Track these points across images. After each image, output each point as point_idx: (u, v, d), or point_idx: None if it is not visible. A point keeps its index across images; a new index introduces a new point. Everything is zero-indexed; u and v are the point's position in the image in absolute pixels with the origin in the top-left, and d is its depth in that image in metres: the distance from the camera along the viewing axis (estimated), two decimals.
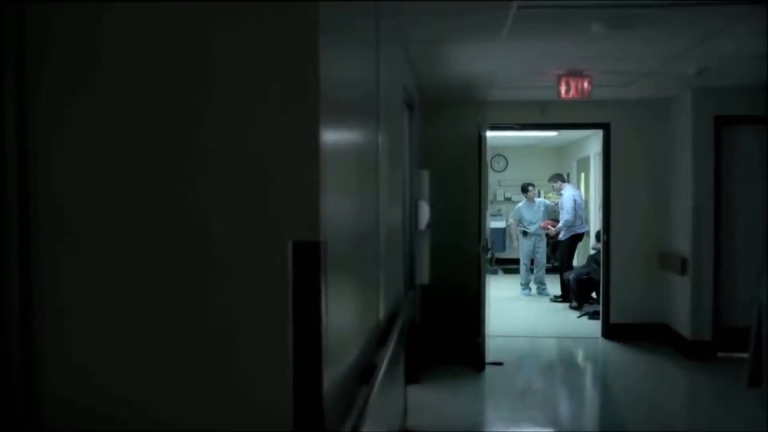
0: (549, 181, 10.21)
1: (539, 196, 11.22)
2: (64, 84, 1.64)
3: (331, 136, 1.76)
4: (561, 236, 9.63)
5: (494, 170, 13.01)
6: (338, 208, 1.89)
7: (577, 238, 9.65)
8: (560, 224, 9.68)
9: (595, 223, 10.15)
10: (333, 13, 1.80)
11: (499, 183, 13.30)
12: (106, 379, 1.66)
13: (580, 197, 9.95)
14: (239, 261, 1.63)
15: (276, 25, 1.59)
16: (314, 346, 1.58)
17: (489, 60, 5.05)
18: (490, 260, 11.05)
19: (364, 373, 2.35)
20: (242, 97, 1.61)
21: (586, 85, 5.30)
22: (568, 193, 9.70)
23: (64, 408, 1.65)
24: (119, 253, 1.65)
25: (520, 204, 10.74)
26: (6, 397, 1.64)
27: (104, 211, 1.65)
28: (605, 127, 7.18)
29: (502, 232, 12.34)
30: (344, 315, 2.03)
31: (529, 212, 10.43)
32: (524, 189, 10.57)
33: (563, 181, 9.98)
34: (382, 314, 3.01)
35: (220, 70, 1.61)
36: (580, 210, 9.68)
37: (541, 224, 10.25)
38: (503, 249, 12.34)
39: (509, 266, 12.33)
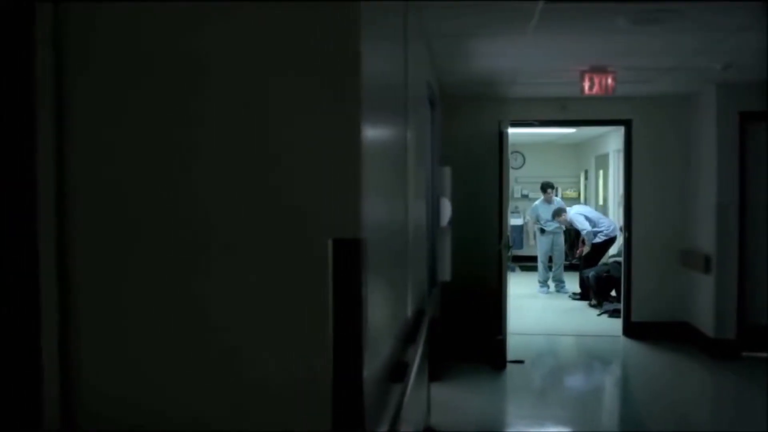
0: (553, 219, 10.19)
1: (557, 195, 11.20)
2: (105, 81, 1.64)
3: (369, 133, 1.75)
4: (596, 240, 9.49)
5: (511, 167, 12.93)
6: (374, 206, 1.88)
7: (610, 242, 9.56)
8: (585, 239, 9.57)
9: (615, 220, 10.09)
10: (370, 11, 1.79)
11: (516, 180, 13.22)
12: (139, 379, 1.66)
13: (587, 210, 10.04)
14: (278, 258, 1.62)
15: (319, 25, 1.58)
16: (355, 345, 1.57)
17: (512, 56, 5.02)
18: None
19: (395, 370, 2.34)
20: (284, 94, 1.60)
21: (609, 81, 5.25)
22: (573, 212, 9.80)
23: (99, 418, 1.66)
24: (156, 252, 1.65)
25: (536, 202, 10.71)
26: (41, 414, 1.65)
27: (144, 208, 1.65)
28: (627, 124, 7.11)
29: (520, 229, 12.30)
30: (378, 313, 2.02)
31: (546, 211, 10.39)
32: (543, 188, 10.51)
33: (564, 211, 10.00)
34: (410, 311, 3.00)
35: (264, 68, 1.60)
36: (595, 217, 9.64)
37: (576, 253, 10.14)
38: (521, 246, 12.30)
39: (526, 263, 12.28)
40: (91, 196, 1.65)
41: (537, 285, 10.45)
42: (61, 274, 1.64)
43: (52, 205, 1.63)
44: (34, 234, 1.64)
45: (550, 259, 10.42)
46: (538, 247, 10.61)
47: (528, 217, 11.30)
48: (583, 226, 9.49)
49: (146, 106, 1.64)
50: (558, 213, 10.07)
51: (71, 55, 1.64)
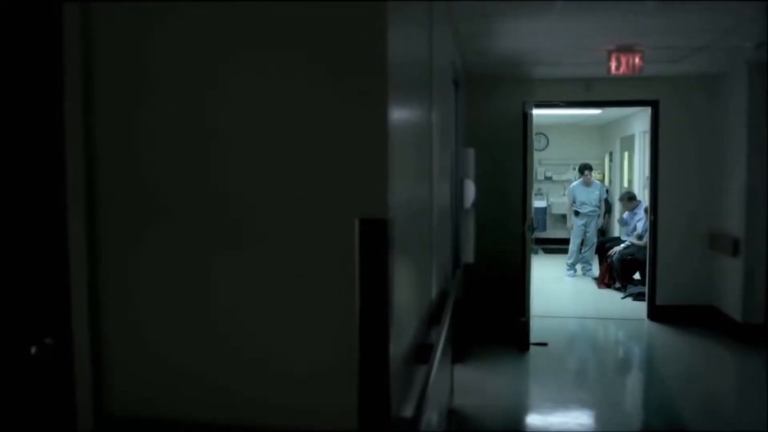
0: (619, 200, 9.79)
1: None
2: (132, 71, 1.66)
3: (395, 115, 1.74)
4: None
5: (535, 149, 12.79)
6: (400, 187, 1.88)
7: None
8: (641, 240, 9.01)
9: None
10: None
11: (539, 162, 13.09)
12: (168, 371, 1.69)
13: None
14: (305, 239, 1.62)
15: (344, 6, 1.57)
16: (381, 325, 1.57)
17: (538, 36, 4.95)
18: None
19: (420, 352, 2.34)
20: (311, 76, 1.59)
21: (637, 60, 5.15)
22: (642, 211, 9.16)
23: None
24: (184, 236, 1.66)
25: (574, 183, 10.52)
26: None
27: (171, 197, 1.66)
28: (654, 104, 6.99)
29: (544, 211, 12.18)
30: (404, 294, 2.02)
31: (584, 193, 10.19)
32: (581, 170, 10.32)
33: (637, 200, 9.35)
34: (434, 293, 3.00)
35: (289, 51, 1.60)
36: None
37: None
38: (544, 229, 12.21)
39: (550, 246, 12.20)
40: (118, 189, 1.67)
41: (564, 268, 10.29)
42: (92, 273, 1.67)
43: (82, 202, 1.65)
44: (64, 234, 1.66)
45: (582, 242, 10.23)
46: (573, 229, 10.38)
47: (566, 198, 10.86)
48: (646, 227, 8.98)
49: (173, 96, 1.65)
50: (631, 199, 9.34)
51: (98, 52, 1.65)
